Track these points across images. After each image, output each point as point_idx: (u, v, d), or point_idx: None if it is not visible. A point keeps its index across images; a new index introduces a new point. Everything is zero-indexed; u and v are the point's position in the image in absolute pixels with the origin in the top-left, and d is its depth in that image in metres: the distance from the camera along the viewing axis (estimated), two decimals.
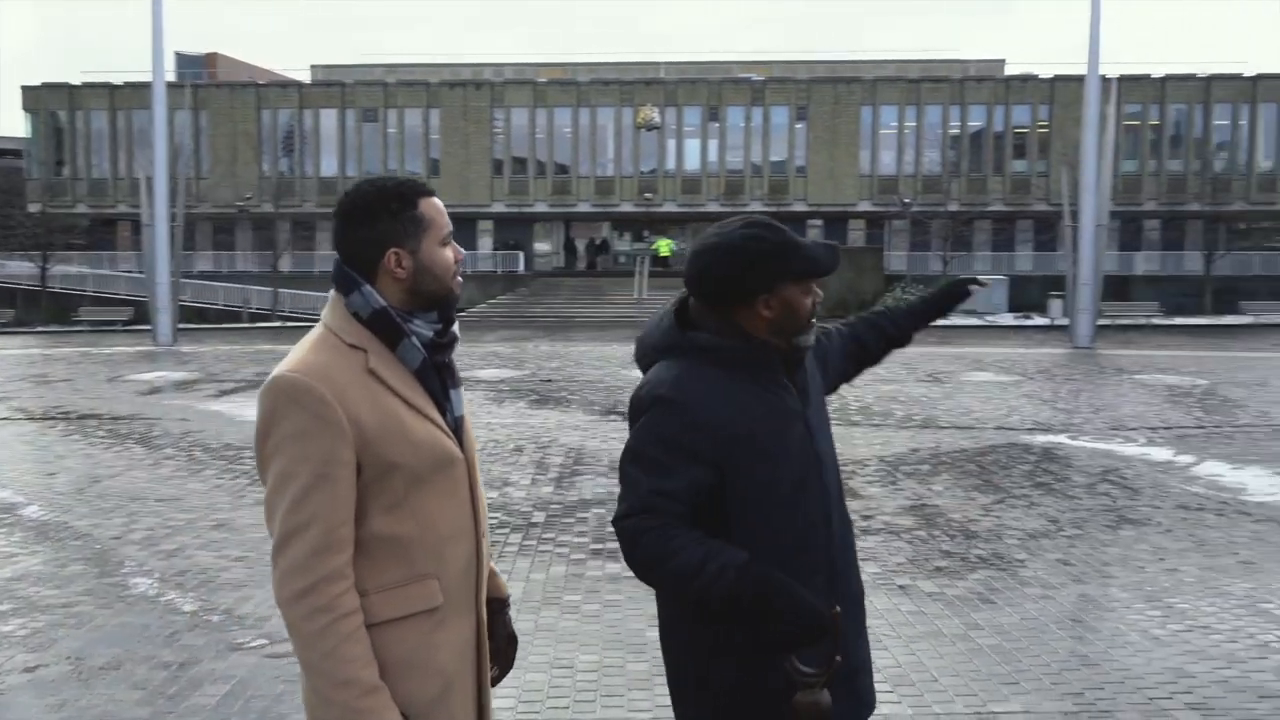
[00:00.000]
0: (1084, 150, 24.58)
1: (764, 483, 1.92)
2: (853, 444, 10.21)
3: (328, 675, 1.67)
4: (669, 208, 45.54)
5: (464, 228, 45.52)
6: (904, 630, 4.82)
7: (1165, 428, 11.36)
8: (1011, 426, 11.57)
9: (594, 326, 32.01)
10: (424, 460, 1.78)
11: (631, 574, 1.92)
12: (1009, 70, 49.84)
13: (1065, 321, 27.70)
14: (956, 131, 45.72)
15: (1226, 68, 45.97)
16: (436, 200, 1.86)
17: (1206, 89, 45.83)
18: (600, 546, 6.24)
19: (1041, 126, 45.48)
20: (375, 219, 1.80)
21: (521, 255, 42.67)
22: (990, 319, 35.26)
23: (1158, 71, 45.02)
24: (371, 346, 1.78)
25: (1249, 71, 46.42)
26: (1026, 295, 37.48)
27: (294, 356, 1.77)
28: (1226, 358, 20.72)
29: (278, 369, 1.76)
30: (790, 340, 1.98)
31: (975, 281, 2.58)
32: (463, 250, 1.90)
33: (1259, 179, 45.74)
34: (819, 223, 45.39)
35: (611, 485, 8.05)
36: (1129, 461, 9.23)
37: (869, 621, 2.23)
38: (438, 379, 1.85)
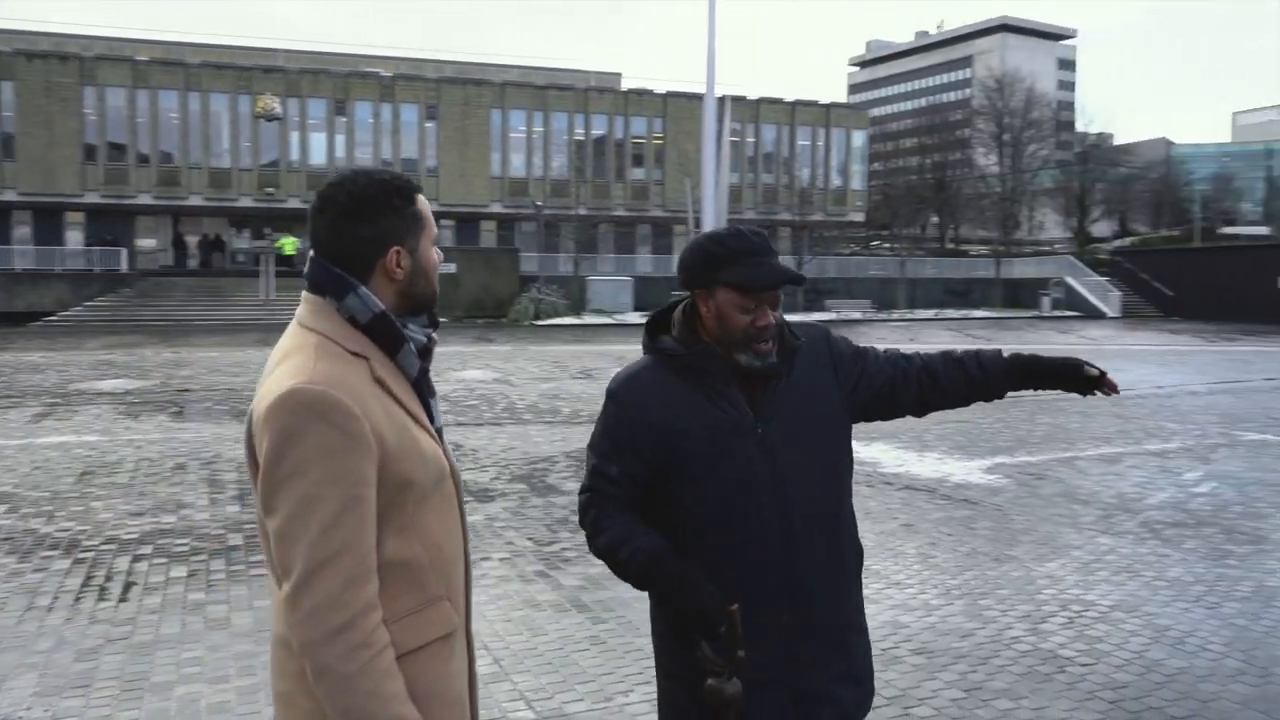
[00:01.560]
0: (705, 163, 26.77)
1: (701, 483, 2.04)
2: (534, 442, 10.41)
3: (373, 716, 1.49)
4: (293, 204, 43.07)
5: (47, 220, 40.01)
6: None
7: None
8: None
9: (217, 331, 29.54)
10: (430, 476, 1.66)
11: None
12: (626, 84, 53.08)
13: None
14: (581, 138, 47.80)
15: (807, 95, 52.26)
16: (424, 198, 1.75)
17: (792, 113, 51.84)
18: None
19: (657, 138, 48.87)
20: (379, 215, 1.65)
21: (124, 252, 38.13)
22: (619, 317, 37.30)
23: (753, 94, 50.16)
24: (373, 354, 1.64)
25: (824, 100, 53.26)
26: (650, 295, 40.07)
27: (298, 367, 1.56)
28: None
29: (285, 381, 1.54)
30: (730, 352, 2.04)
31: (1098, 384, 2.18)
32: (441, 253, 1.78)
33: (833, 194, 52.56)
34: (451, 223, 45.35)
35: None
36: None
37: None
38: (427, 388, 1.74)
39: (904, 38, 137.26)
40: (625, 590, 5.53)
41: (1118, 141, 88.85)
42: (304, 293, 1.70)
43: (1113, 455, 9.71)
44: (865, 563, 2.31)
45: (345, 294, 1.64)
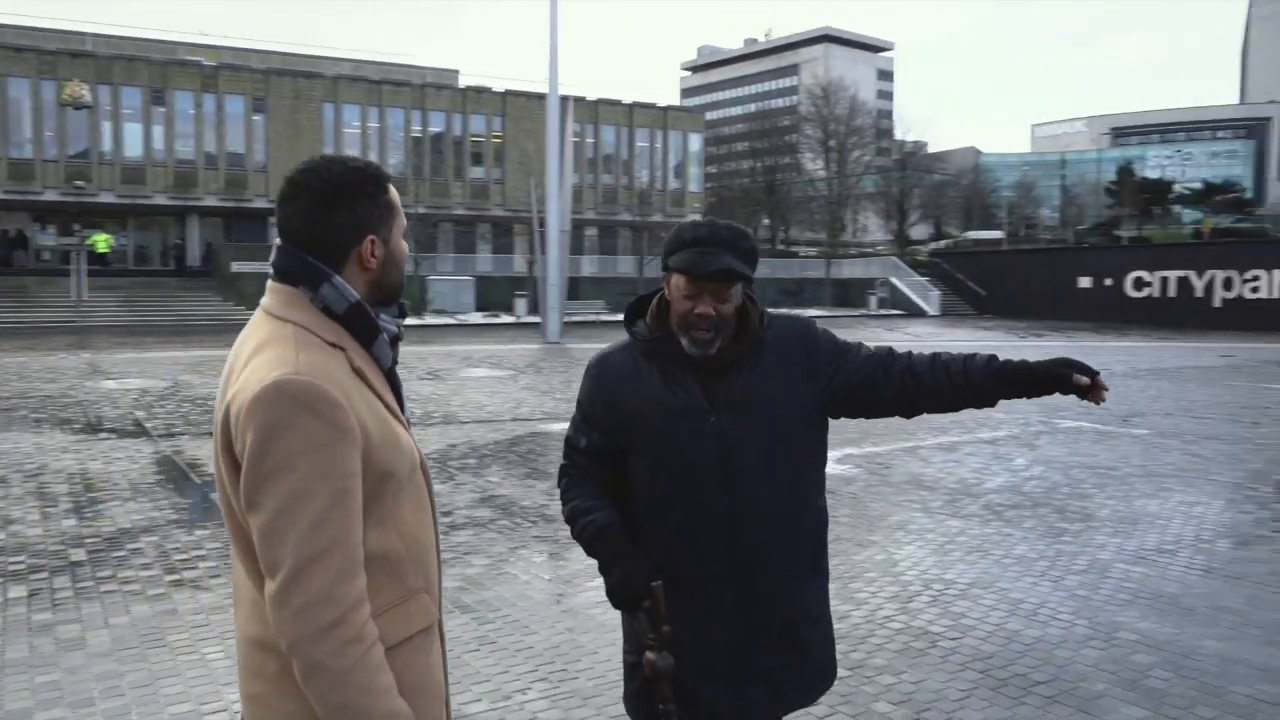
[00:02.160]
0: (548, 163, 26.77)
1: (651, 462, 2.16)
2: None
3: (367, 712, 1.46)
4: (106, 198, 40.37)
5: None
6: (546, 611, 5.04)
7: None
8: (525, 417, 12.35)
9: (23, 334, 27.31)
10: (407, 467, 1.64)
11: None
12: (463, 81, 52.34)
13: (533, 319, 29.95)
14: (419, 135, 46.82)
15: (642, 97, 53.03)
16: (394, 187, 1.73)
17: (630, 114, 52.39)
18: (179, 577, 5.55)
19: (496, 137, 48.42)
20: (357, 202, 1.63)
21: None
22: (461, 318, 36.77)
23: (591, 95, 50.45)
24: (349, 345, 1.62)
25: (661, 103, 54.09)
26: (491, 294, 39.71)
27: (279, 358, 1.51)
28: None
29: (268, 373, 1.48)
30: (679, 336, 2.12)
31: (1084, 385, 2.07)
32: (410, 244, 1.76)
33: (671, 195, 53.48)
34: None
35: (155, 510, 7.19)
36: None
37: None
38: (396, 379, 1.72)
39: (733, 44, 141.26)
40: (506, 589, 5.52)
41: (932, 149, 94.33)
42: (271, 283, 1.65)
43: (950, 444, 10.32)
44: None
45: (320, 283, 1.60)
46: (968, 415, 12.33)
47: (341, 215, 1.62)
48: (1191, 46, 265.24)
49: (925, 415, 2.26)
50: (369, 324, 1.63)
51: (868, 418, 2.27)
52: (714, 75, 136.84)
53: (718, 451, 2.10)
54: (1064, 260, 41.99)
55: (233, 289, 35.69)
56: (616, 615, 4.88)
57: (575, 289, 42.65)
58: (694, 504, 2.11)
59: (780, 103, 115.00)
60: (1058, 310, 38.20)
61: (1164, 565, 5.85)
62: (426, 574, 1.67)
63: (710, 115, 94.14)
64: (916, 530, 6.69)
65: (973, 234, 73.09)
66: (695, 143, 55.14)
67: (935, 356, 2.21)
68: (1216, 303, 34.16)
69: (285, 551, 1.46)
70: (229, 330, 32.24)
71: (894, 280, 45.83)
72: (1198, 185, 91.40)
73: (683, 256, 2.08)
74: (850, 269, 49.75)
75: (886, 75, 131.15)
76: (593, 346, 24.99)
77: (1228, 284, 33.96)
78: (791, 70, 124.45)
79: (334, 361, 1.57)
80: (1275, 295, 32.56)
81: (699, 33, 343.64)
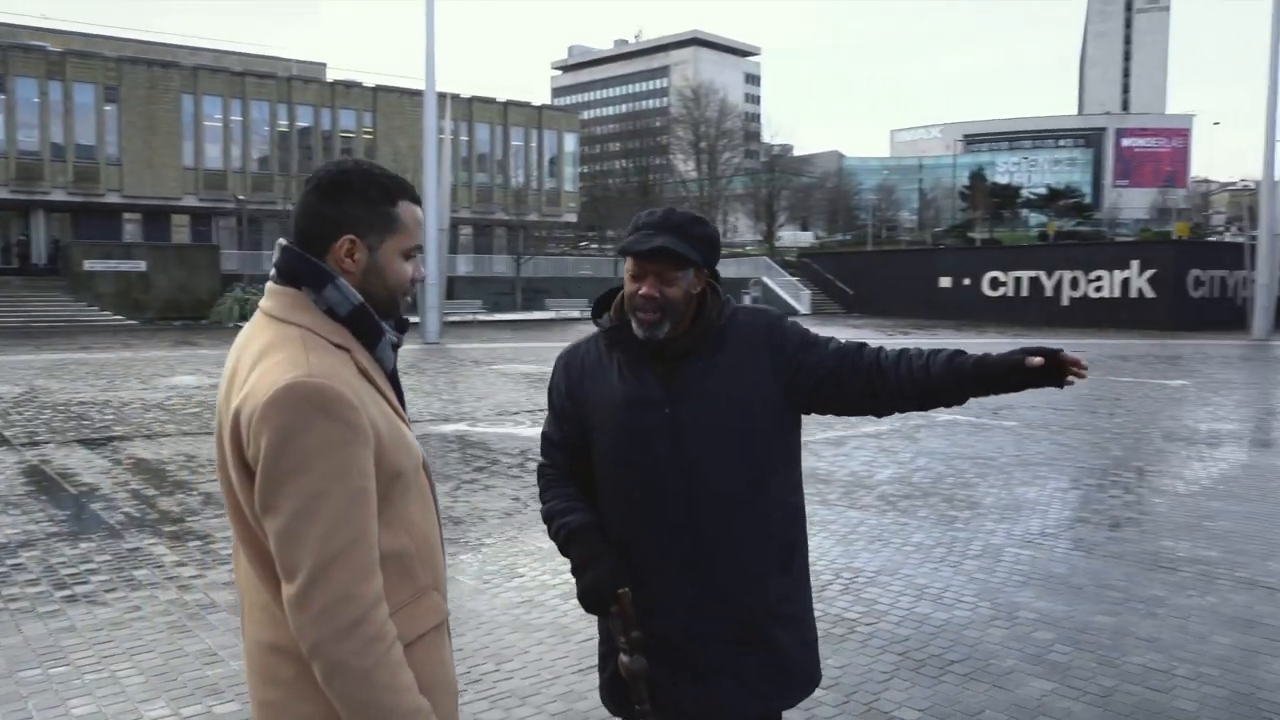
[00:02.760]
0: (426, 161, 26.32)
1: (608, 452, 2.19)
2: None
3: (391, 709, 1.46)
4: None
5: None
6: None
7: (541, 410, 12.93)
8: (414, 419, 12.14)
9: None
10: (413, 466, 1.64)
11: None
12: (331, 75, 50.87)
13: (412, 319, 29.38)
14: (285, 129, 45.29)
15: (515, 96, 52.73)
16: (419, 211, 1.71)
17: (505, 113, 51.98)
18: (71, 592, 5.25)
19: (367, 132, 47.28)
20: (346, 199, 1.62)
21: None
22: None
23: (465, 93, 49.80)
24: (354, 346, 1.62)
25: (536, 102, 53.85)
26: None
27: (290, 360, 1.50)
28: (553, 346, 23.98)
29: (280, 376, 1.49)
30: (630, 319, 2.14)
31: (1037, 365, 1.96)
32: (424, 270, 1.75)
33: (547, 194, 53.32)
34: (137, 216, 41.48)
35: (31, 523, 6.77)
36: (535, 440, 10.38)
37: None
38: (397, 382, 1.74)
39: (604, 44, 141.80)
40: None
41: (798, 153, 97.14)
42: (272, 285, 1.64)
43: (837, 438, 10.68)
44: None
45: (323, 285, 1.60)
46: None
47: (328, 207, 1.61)
48: (1036, 59, 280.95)
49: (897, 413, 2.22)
50: (373, 326, 1.63)
51: (838, 414, 2.22)
52: (585, 75, 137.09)
53: (673, 440, 2.10)
54: (926, 261, 43.86)
55: (85, 289, 33.74)
56: (543, 614, 4.91)
57: (451, 288, 42.07)
58: (652, 494, 2.12)
59: (652, 104, 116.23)
60: (921, 308, 39.86)
61: (1050, 548, 6.23)
62: (435, 571, 1.69)
63: (583, 115, 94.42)
64: (820, 522, 6.91)
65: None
66: (570, 142, 55.11)
67: (903, 353, 2.15)
68: (1065, 301, 36.28)
69: (304, 553, 1.45)
70: (83, 332, 30.53)
71: (766, 280, 46.91)
72: (1042, 190, 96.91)
73: (627, 239, 2.10)
74: (724, 269, 50.52)
75: (754, 79, 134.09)
76: (473, 347, 24.79)
77: (1074, 284, 36.12)
78: (662, 72, 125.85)
79: (342, 363, 1.57)
80: (1117, 294, 34.81)
81: (569, 31, 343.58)
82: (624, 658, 2.08)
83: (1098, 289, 35.46)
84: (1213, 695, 3.99)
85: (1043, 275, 37.13)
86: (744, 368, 2.14)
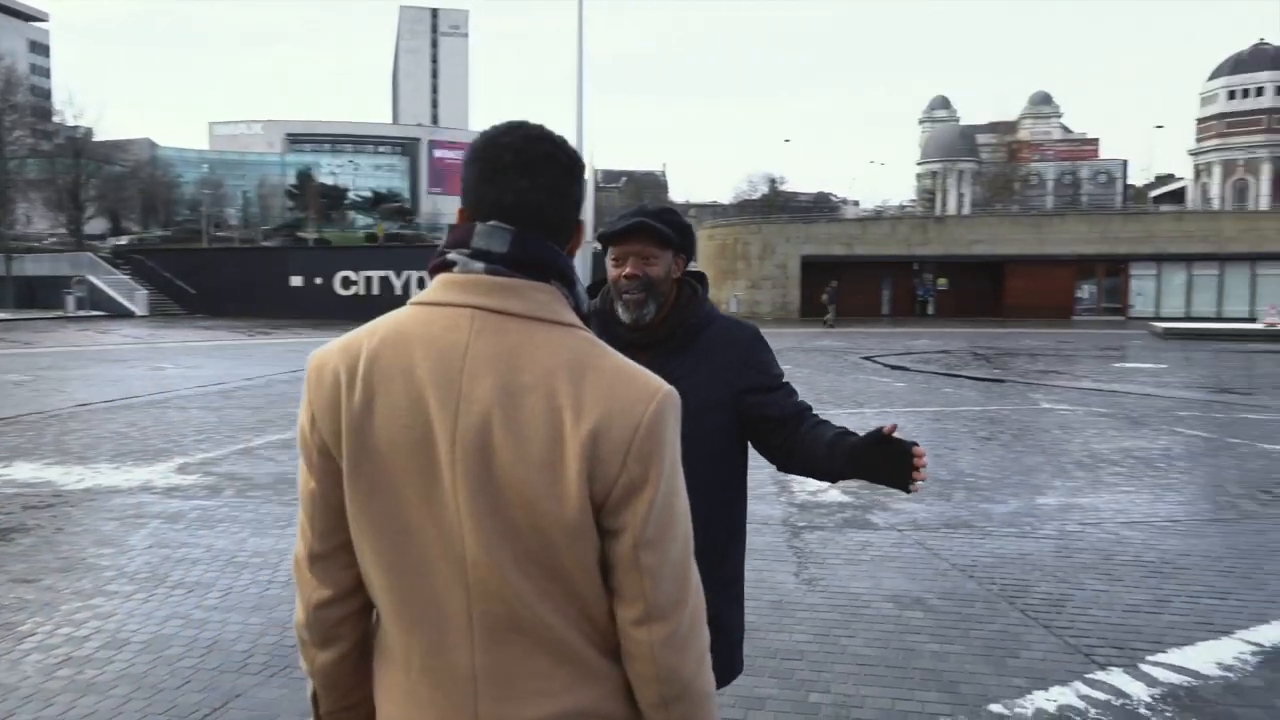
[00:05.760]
0: None
1: None
2: None
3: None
4: None
5: None
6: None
7: None
8: None
9: None
10: None
11: None
12: None
13: None
14: None
15: None
16: None
17: None
18: None
19: None
20: (582, 178, 1.42)
21: None
22: None
23: None
24: None
25: None
26: None
27: (630, 368, 1.33)
28: None
29: (649, 385, 1.31)
30: (616, 307, 2.17)
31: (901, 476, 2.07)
32: None
33: None
34: None
35: None
36: None
37: None
38: None
39: None
40: None
41: (101, 137, 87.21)
42: (516, 280, 1.32)
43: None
44: None
45: (574, 281, 1.37)
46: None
47: (576, 189, 1.38)
48: (357, 65, 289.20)
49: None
50: (601, 330, 1.52)
51: (757, 451, 2.30)
52: None
53: None
54: (276, 259, 43.16)
55: None
56: None
57: None
58: None
59: None
60: (273, 308, 39.23)
61: None
62: None
63: None
64: None
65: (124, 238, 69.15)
66: None
67: (824, 426, 2.23)
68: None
69: (686, 587, 1.32)
70: None
71: (92, 279, 41.91)
72: (368, 194, 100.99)
73: (605, 228, 2.16)
74: (36, 266, 43.95)
75: (42, 49, 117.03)
76: None
77: (421, 283, 38.74)
78: None
79: None
80: None
81: None
82: None
83: None
84: None
85: (392, 275, 39.15)
86: (711, 368, 2.19)
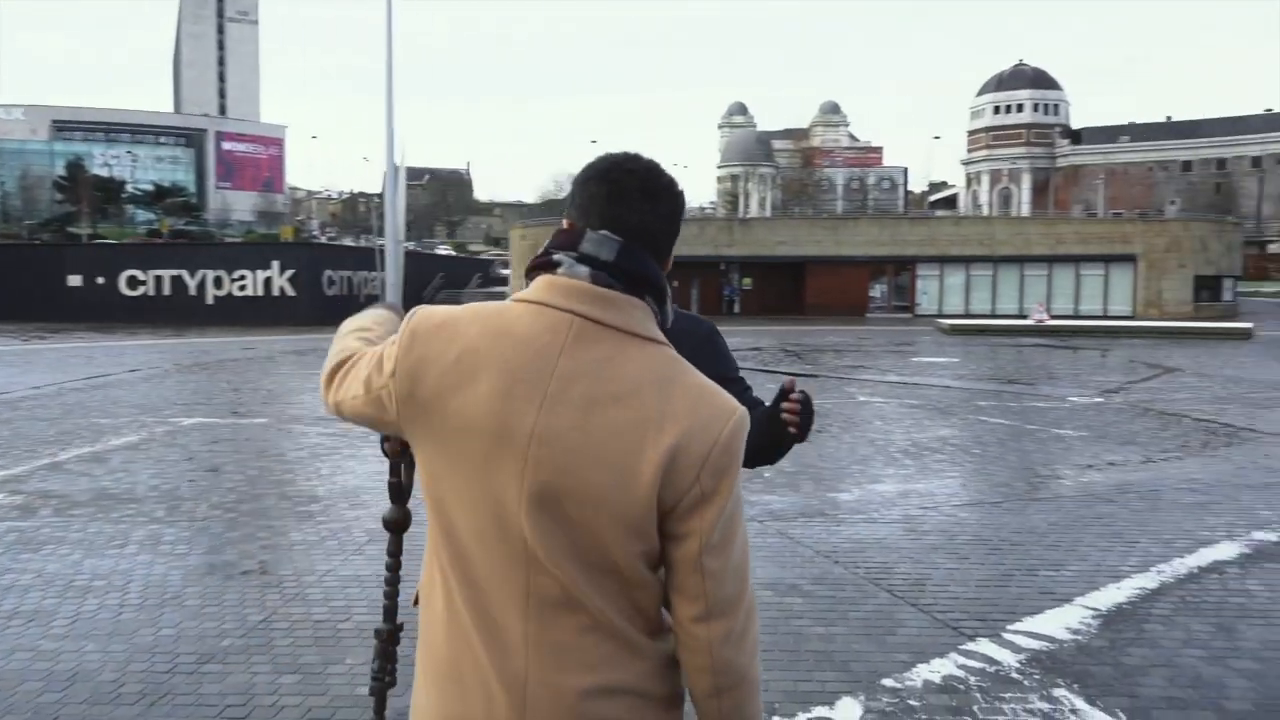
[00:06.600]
0: None
1: None
2: None
3: (760, 708, 1.52)
4: None
5: None
6: None
7: None
8: None
9: None
10: None
11: None
12: None
13: None
14: None
15: None
16: None
17: None
18: None
19: None
20: (684, 211, 1.55)
21: None
22: None
23: None
24: None
25: None
26: None
27: (710, 386, 1.43)
28: None
29: (726, 403, 1.41)
30: None
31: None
32: None
33: None
34: None
35: None
36: None
37: None
38: None
39: None
40: None
41: None
42: (619, 294, 1.40)
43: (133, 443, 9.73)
44: None
45: (665, 300, 1.46)
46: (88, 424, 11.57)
47: (678, 220, 1.51)
48: (129, 49, 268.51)
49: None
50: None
51: None
52: None
53: None
54: (50, 257, 39.54)
55: None
56: None
57: None
58: None
59: None
60: (50, 310, 35.89)
61: None
62: None
63: None
64: None
65: None
66: None
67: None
68: (210, 300, 36.45)
69: (744, 587, 1.43)
70: None
71: None
72: (149, 187, 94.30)
73: None
74: None
75: None
76: None
77: (218, 283, 36.53)
78: None
79: None
80: (261, 293, 36.30)
81: None
82: None
83: (242, 288, 36.46)
84: None
85: (186, 274, 36.72)
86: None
